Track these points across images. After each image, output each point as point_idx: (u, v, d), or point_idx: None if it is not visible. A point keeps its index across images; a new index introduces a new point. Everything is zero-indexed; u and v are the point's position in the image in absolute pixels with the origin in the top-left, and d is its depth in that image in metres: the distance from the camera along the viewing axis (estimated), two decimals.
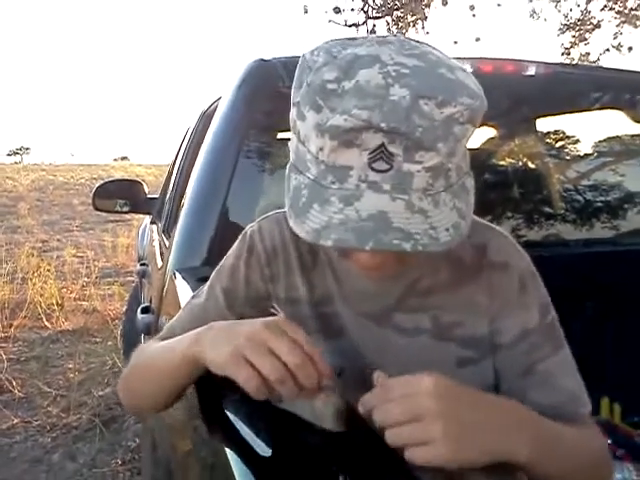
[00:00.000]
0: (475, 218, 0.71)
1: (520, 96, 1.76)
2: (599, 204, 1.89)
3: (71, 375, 3.54)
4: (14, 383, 3.35)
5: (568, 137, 2.23)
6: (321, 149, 0.59)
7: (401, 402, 0.55)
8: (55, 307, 4.88)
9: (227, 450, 0.57)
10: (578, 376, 0.76)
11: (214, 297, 0.85)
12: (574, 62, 7.92)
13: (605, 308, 1.59)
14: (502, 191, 1.91)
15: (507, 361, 0.76)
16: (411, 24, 7.86)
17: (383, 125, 0.55)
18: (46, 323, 4.55)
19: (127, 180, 3.06)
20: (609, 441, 1.45)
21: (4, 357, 3.74)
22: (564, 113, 2.10)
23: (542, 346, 0.75)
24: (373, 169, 0.57)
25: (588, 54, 8.32)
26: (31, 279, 5.41)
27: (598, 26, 8.07)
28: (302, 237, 0.60)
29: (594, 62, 8.21)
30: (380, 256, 0.65)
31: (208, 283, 0.88)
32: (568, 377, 0.75)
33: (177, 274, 1.23)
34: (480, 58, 1.61)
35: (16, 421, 2.95)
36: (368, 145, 0.57)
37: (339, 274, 0.81)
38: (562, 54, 8.43)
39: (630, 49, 7.90)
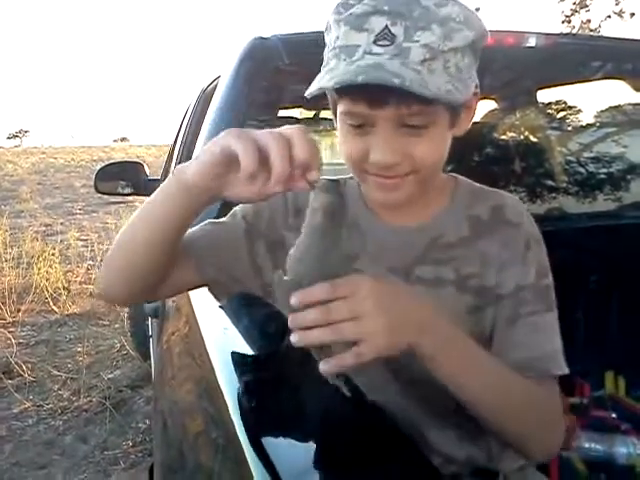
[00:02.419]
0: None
1: (521, 68, 1.75)
2: (602, 176, 1.88)
3: (80, 358, 3.57)
4: (24, 367, 3.38)
5: (570, 108, 2.22)
6: (337, 37, 0.71)
7: (346, 302, 0.58)
8: (61, 291, 4.91)
9: (238, 431, 0.58)
10: (559, 342, 0.79)
11: (234, 221, 0.88)
12: (575, 30, 7.80)
13: (610, 282, 1.59)
14: (504, 165, 1.90)
15: (499, 311, 0.81)
16: None
17: (386, 8, 0.67)
18: (53, 307, 4.58)
19: (128, 162, 3.04)
20: (613, 415, 1.47)
21: (13, 341, 3.77)
22: (565, 84, 2.08)
23: (531, 303, 0.79)
24: (377, 44, 0.67)
25: (589, 21, 8.20)
26: (36, 263, 5.42)
27: None
28: (310, 93, 0.71)
29: (595, 29, 8.09)
30: (392, 171, 0.73)
31: (230, 212, 0.90)
32: (548, 339, 0.79)
33: None
34: None
35: (28, 405, 2.99)
36: (374, 29, 0.67)
37: (365, 233, 0.85)
38: (562, 22, 8.31)
39: (632, 15, 7.78)
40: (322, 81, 0.70)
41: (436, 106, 0.70)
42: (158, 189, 0.73)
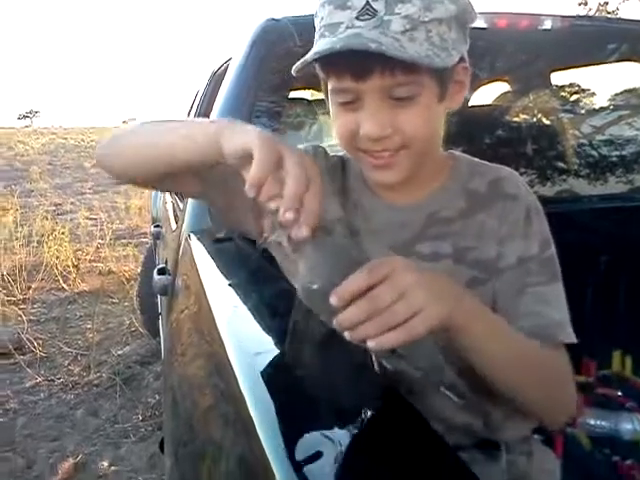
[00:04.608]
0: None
1: (535, 50, 1.73)
2: (614, 159, 1.87)
3: (90, 335, 3.61)
4: (35, 343, 3.43)
5: (583, 91, 2.20)
6: (322, 18, 0.73)
7: (387, 284, 0.57)
8: (71, 269, 4.95)
9: (249, 404, 0.59)
10: (566, 311, 0.79)
11: None
12: (591, 12, 7.67)
13: (619, 262, 1.59)
14: (516, 147, 1.89)
15: (503, 282, 0.81)
16: None
17: None
18: (63, 285, 4.63)
19: None
20: (619, 393, 1.48)
21: (24, 318, 3.82)
22: (580, 67, 2.06)
23: (536, 274, 0.79)
24: (358, 19, 0.69)
25: (606, 3, 8.06)
26: (46, 242, 5.47)
27: None
28: (296, 68, 0.72)
29: (613, 12, 7.95)
30: (381, 144, 0.73)
31: None
32: (556, 308, 0.79)
33: (192, 236, 1.24)
34: (495, 13, 1.57)
35: (39, 379, 3.04)
36: (356, 6, 0.69)
37: (366, 211, 0.86)
38: (579, 4, 8.17)
39: None
40: (306, 56, 0.71)
41: (421, 76, 0.71)
42: (189, 126, 0.73)
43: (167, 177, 0.79)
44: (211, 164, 0.69)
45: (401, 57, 0.66)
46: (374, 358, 0.63)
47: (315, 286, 0.59)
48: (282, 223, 0.59)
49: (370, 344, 0.56)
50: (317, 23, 0.75)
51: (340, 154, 0.93)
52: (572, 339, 0.78)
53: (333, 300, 0.56)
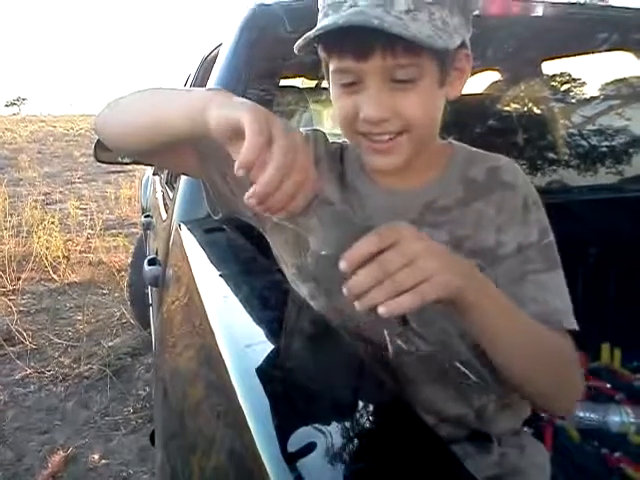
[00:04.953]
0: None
1: (526, 38, 1.72)
2: (604, 149, 1.87)
3: (80, 326, 3.60)
4: (25, 335, 3.41)
5: (574, 80, 2.19)
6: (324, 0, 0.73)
7: (396, 249, 0.57)
8: (61, 260, 4.92)
9: (240, 396, 0.59)
10: (567, 298, 0.79)
11: None
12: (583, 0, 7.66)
13: (608, 254, 1.59)
14: (506, 136, 1.89)
15: (503, 270, 0.80)
16: None
17: None
18: (53, 276, 4.60)
19: None
20: (608, 385, 1.49)
21: (14, 309, 3.79)
22: (571, 55, 2.05)
23: (536, 261, 0.79)
24: None
25: None
26: (36, 232, 5.43)
27: None
28: (298, 45, 0.72)
29: None
30: (381, 127, 0.73)
31: None
32: (557, 295, 0.79)
33: (182, 226, 1.23)
34: None
35: (29, 371, 3.03)
36: None
37: (362, 197, 0.86)
38: None
39: None
40: (309, 33, 0.71)
41: (422, 58, 0.70)
42: (186, 96, 0.73)
43: (166, 151, 0.80)
44: (199, 137, 0.69)
45: (403, 35, 0.65)
46: (388, 339, 0.63)
47: (324, 252, 0.59)
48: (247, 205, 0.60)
49: (380, 310, 0.56)
50: (320, 3, 0.75)
51: (339, 141, 0.93)
52: (575, 326, 0.78)
53: (342, 265, 0.56)
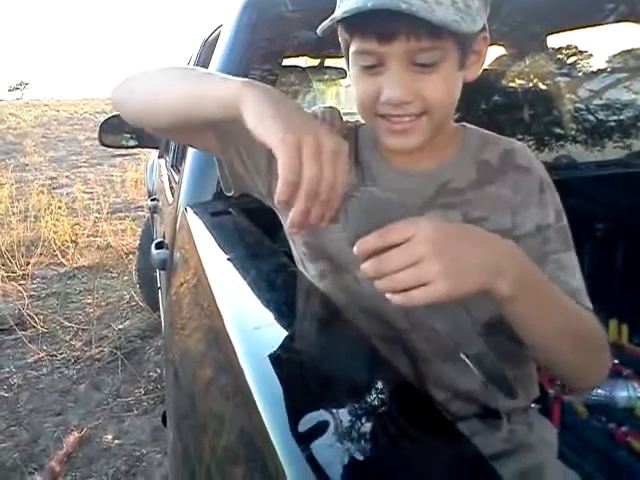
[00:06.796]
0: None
1: (531, 11, 1.70)
2: (612, 124, 1.85)
3: (90, 310, 3.63)
4: (36, 319, 3.45)
5: (580, 53, 2.16)
6: None
7: (400, 249, 0.58)
8: (69, 244, 4.95)
9: (248, 378, 0.59)
10: (581, 279, 0.81)
11: None
12: None
13: (616, 230, 1.59)
14: (512, 112, 1.87)
15: (524, 250, 0.80)
16: None
17: None
18: (62, 260, 4.63)
19: None
20: (616, 361, 1.49)
21: (24, 294, 3.83)
22: (576, 28, 2.02)
23: (555, 241, 0.81)
24: None
25: None
26: (43, 217, 5.46)
27: None
28: (322, 27, 0.72)
29: None
30: (403, 109, 0.73)
31: None
32: (572, 275, 0.80)
33: (189, 209, 1.24)
34: None
35: (42, 355, 3.07)
36: None
37: (375, 178, 0.86)
38: None
39: None
40: (334, 14, 0.70)
41: (445, 42, 0.70)
42: (220, 85, 0.72)
43: (188, 129, 0.82)
44: (229, 121, 0.70)
45: (431, 19, 0.65)
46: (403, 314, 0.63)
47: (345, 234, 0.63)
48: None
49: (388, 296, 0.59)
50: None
51: (351, 121, 0.93)
52: (590, 306, 0.79)
53: (355, 250, 0.60)
